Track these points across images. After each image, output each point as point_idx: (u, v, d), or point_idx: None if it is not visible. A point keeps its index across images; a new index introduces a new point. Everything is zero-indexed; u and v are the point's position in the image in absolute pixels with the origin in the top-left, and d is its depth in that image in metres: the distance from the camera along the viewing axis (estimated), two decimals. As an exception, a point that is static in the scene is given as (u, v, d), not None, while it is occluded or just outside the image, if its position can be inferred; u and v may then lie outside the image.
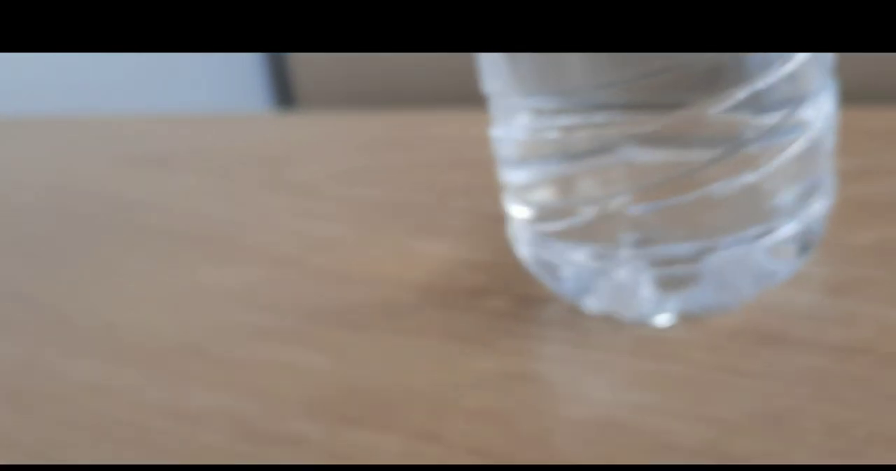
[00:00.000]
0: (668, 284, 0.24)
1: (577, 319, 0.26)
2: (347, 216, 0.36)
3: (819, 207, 0.25)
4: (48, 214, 0.44)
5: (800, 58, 0.22)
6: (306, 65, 1.15)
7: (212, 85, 1.20)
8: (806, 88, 0.23)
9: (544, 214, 0.25)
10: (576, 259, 0.25)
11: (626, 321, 0.25)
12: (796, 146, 0.23)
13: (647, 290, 0.25)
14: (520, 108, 0.24)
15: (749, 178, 0.23)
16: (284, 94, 1.25)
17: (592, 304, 0.25)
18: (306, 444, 0.23)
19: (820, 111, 0.24)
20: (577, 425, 0.22)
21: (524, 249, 0.26)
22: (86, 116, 0.62)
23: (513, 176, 0.25)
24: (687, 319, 0.25)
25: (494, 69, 0.24)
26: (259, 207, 0.39)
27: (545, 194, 0.25)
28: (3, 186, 0.50)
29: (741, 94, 0.22)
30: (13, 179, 0.51)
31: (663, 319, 0.25)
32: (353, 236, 0.34)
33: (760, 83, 0.22)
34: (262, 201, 0.40)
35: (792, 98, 0.23)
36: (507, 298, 0.28)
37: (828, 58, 0.24)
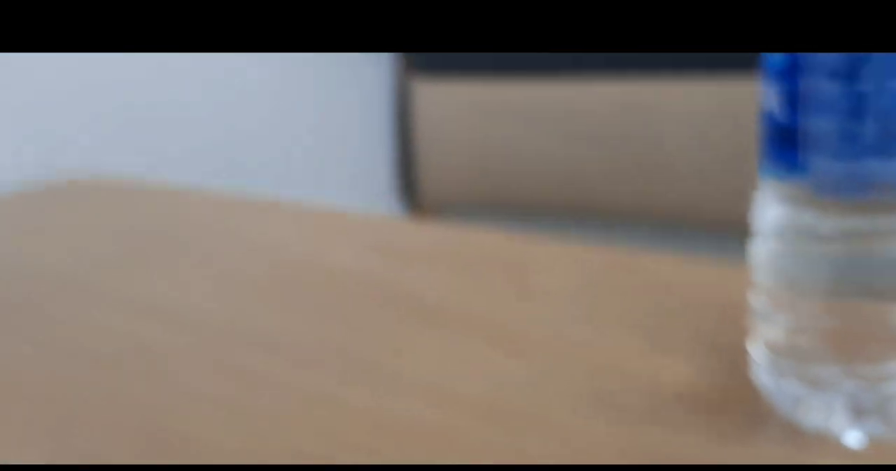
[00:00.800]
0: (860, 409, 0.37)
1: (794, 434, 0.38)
2: (597, 322, 0.50)
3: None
4: (337, 294, 0.58)
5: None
6: (434, 174, 1.31)
7: (345, 191, 1.35)
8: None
9: (782, 355, 0.38)
10: (799, 388, 0.37)
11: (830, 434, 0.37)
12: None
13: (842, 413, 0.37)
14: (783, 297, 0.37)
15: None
16: (413, 202, 1.40)
17: (805, 419, 0.38)
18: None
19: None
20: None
21: (763, 377, 0.39)
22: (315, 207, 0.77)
23: (765, 328, 0.38)
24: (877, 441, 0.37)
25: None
26: (517, 307, 0.53)
27: (786, 341, 0.38)
28: (290, 265, 0.64)
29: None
30: (287, 259, 0.65)
31: (853, 439, 0.37)
32: (602, 340, 0.48)
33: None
34: (517, 304, 0.53)
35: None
36: (735, 412, 0.40)
37: None
